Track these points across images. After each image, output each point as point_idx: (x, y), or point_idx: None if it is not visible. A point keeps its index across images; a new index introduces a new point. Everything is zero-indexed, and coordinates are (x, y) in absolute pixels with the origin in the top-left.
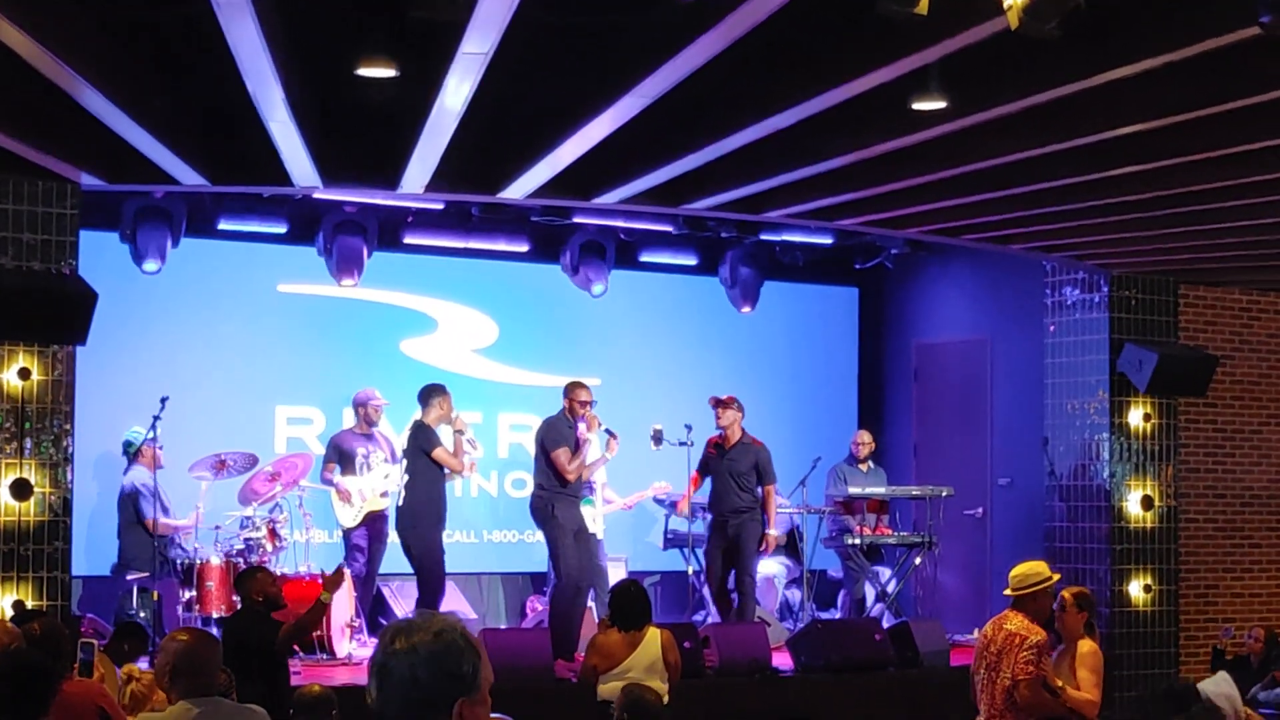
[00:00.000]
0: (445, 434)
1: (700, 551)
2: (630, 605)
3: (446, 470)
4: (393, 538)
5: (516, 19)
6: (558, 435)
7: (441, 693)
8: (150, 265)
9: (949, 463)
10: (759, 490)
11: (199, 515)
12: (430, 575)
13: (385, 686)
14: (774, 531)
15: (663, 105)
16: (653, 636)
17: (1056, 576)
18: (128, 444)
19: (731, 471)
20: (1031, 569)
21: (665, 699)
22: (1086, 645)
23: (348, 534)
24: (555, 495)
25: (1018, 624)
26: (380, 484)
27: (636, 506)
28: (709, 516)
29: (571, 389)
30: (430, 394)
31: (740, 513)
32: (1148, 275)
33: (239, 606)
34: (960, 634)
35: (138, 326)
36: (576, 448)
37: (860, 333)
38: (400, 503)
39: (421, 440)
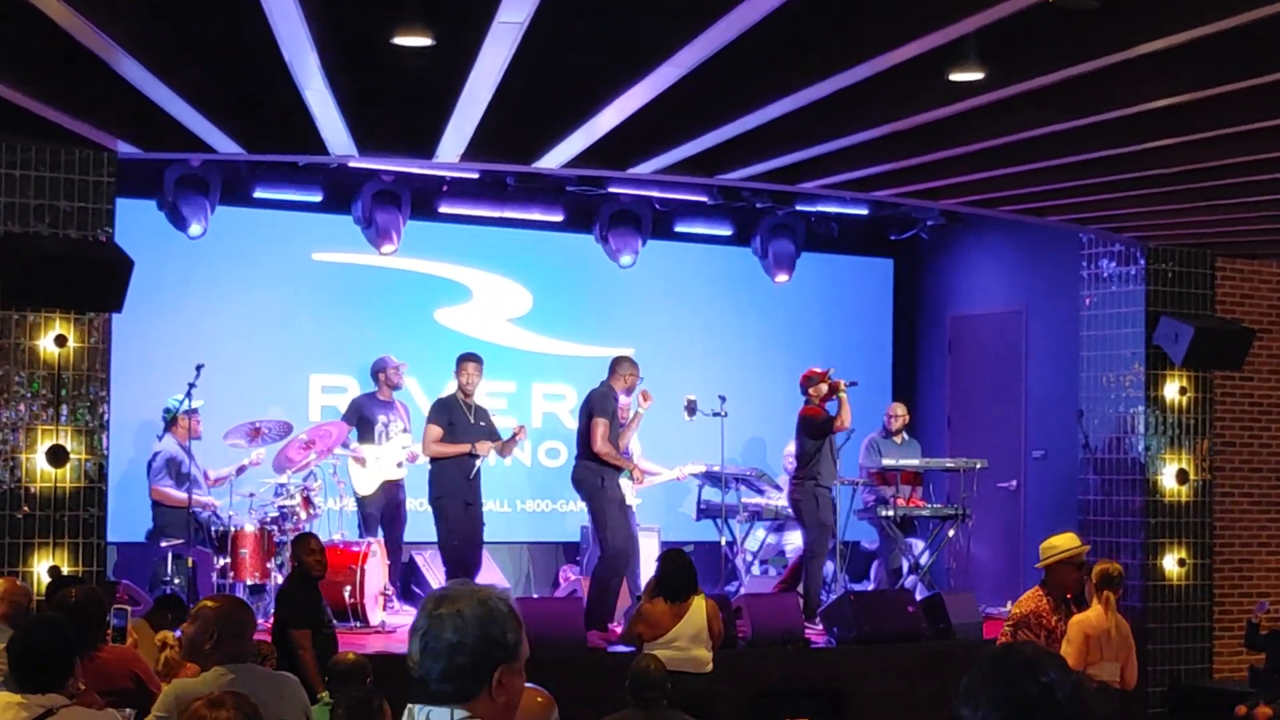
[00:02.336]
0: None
1: (734, 522)
2: (678, 576)
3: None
4: (425, 508)
5: None
6: (605, 404)
7: (484, 658)
8: (195, 229)
9: (983, 435)
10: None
11: (233, 473)
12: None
13: (428, 651)
14: None
15: (698, 75)
16: (698, 606)
17: (1081, 549)
18: (167, 410)
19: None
20: (1050, 542)
21: (709, 667)
22: (1077, 616)
23: (362, 502)
24: (604, 467)
25: (1025, 595)
26: (398, 454)
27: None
28: (824, 489)
29: (626, 366)
30: (458, 361)
31: None
32: (1184, 248)
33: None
34: (993, 606)
35: (174, 294)
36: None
37: (895, 304)
38: (432, 471)
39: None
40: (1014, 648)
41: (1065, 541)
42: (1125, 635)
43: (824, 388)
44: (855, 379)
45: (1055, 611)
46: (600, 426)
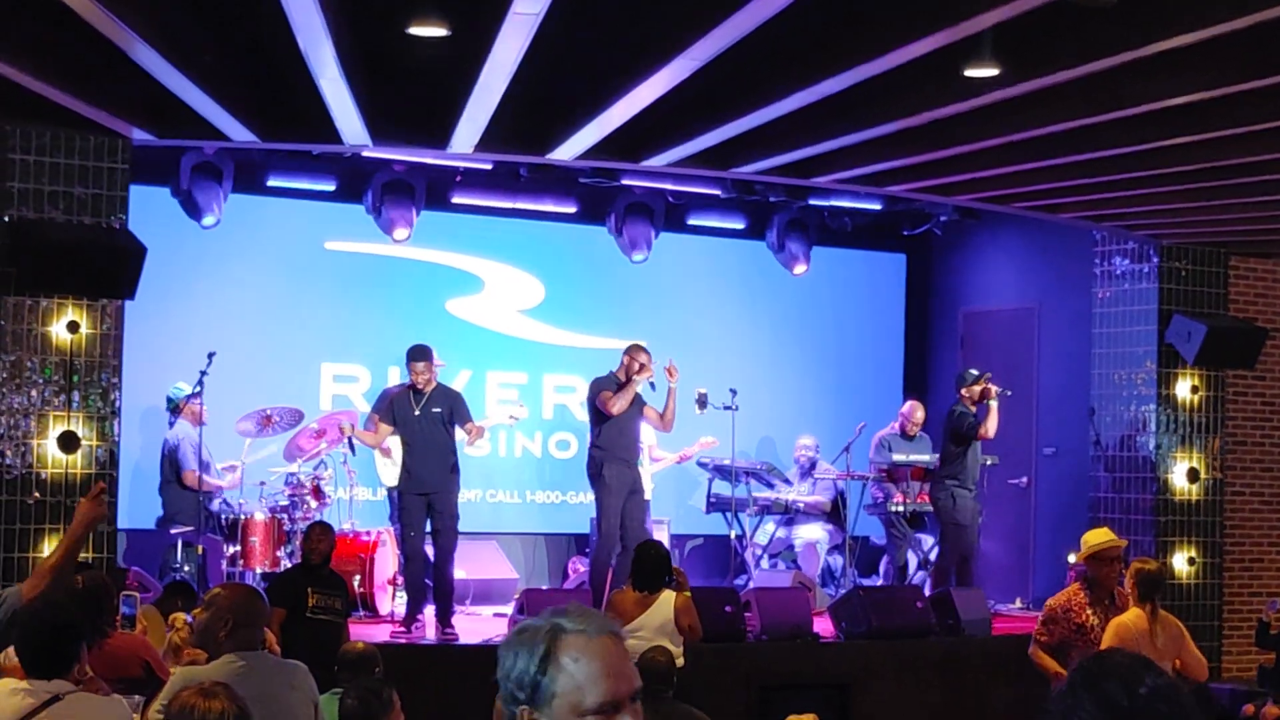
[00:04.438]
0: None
1: (744, 515)
2: (648, 566)
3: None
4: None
5: None
6: (600, 383)
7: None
8: (209, 220)
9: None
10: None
11: (241, 470)
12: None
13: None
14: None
15: (713, 68)
16: (666, 599)
17: (1111, 544)
18: (170, 399)
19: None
20: (1088, 537)
21: (679, 661)
22: (1116, 618)
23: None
24: (605, 456)
25: (1065, 589)
26: None
27: (680, 469)
28: (965, 491)
29: (626, 352)
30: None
31: None
32: (1198, 246)
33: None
34: (1002, 603)
35: (186, 282)
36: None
37: (907, 299)
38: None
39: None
40: (1105, 656)
41: (1098, 537)
42: (1174, 635)
43: (977, 389)
44: (1009, 389)
45: (1092, 607)
46: (604, 396)
